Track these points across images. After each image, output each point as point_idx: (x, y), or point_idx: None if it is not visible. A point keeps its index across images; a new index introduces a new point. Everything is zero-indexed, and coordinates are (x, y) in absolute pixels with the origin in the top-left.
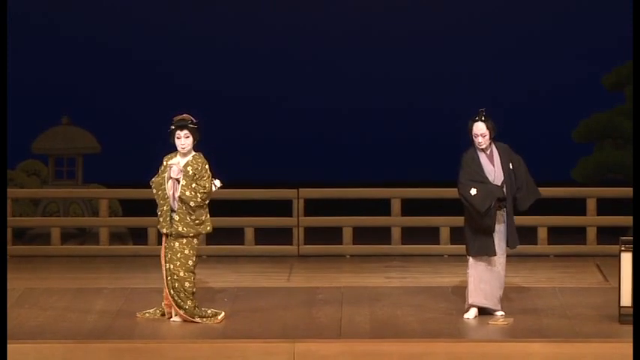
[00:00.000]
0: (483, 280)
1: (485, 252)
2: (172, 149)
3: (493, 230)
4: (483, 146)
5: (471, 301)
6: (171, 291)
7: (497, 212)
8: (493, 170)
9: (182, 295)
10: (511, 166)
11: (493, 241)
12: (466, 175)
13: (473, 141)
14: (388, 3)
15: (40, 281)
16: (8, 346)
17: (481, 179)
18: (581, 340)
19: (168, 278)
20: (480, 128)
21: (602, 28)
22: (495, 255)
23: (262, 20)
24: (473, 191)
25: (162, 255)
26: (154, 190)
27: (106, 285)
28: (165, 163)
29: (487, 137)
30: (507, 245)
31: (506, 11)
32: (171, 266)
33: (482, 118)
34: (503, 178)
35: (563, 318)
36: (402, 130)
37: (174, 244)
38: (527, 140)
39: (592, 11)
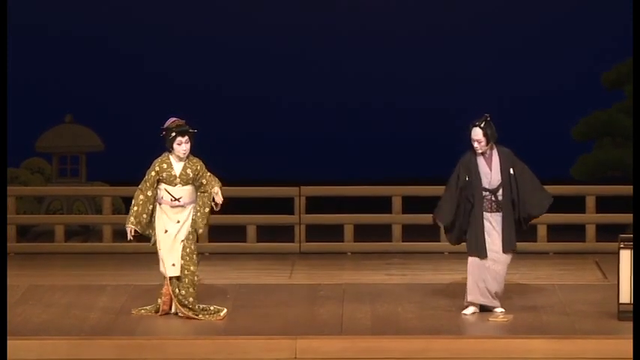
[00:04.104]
0: (480, 278)
1: (477, 253)
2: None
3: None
4: (480, 151)
5: (469, 298)
6: (177, 289)
7: (493, 214)
8: (489, 174)
9: (191, 290)
10: (512, 172)
11: (484, 243)
12: (452, 182)
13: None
14: (389, 3)
15: (44, 278)
16: (12, 342)
17: (463, 186)
18: (581, 336)
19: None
20: (476, 134)
21: (601, 26)
22: (486, 257)
23: (263, 20)
24: (443, 204)
25: None
26: (136, 202)
27: (109, 282)
28: (157, 168)
29: (483, 143)
30: (502, 248)
31: (507, 11)
32: (182, 262)
33: (482, 125)
34: (500, 182)
35: (562, 315)
36: (403, 128)
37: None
38: (527, 138)
39: (592, 10)
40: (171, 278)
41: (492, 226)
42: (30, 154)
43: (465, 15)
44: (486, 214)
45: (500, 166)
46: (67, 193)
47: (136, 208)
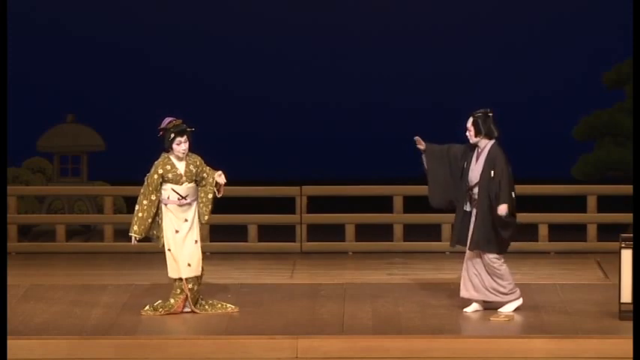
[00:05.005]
0: (473, 272)
1: (457, 241)
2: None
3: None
4: (470, 141)
5: (461, 294)
6: (195, 287)
7: (472, 210)
8: (473, 169)
9: (200, 287)
10: (492, 174)
11: (466, 233)
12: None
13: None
14: (389, 3)
15: (45, 278)
16: (13, 342)
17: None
18: (582, 336)
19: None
20: (467, 121)
21: (602, 26)
22: (463, 246)
23: (264, 20)
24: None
25: None
26: (141, 207)
27: (110, 281)
28: (161, 170)
29: (472, 133)
30: (468, 245)
31: (507, 11)
32: (199, 261)
33: (476, 115)
34: (477, 181)
35: (563, 314)
36: (403, 128)
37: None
38: (528, 138)
39: (592, 10)
40: (187, 277)
41: (471, 220)
42: (31, 153)
43: (465, 15)
44: (468, 208)
45: (483, 165)
46: (69, 193)
47: (140, 214)
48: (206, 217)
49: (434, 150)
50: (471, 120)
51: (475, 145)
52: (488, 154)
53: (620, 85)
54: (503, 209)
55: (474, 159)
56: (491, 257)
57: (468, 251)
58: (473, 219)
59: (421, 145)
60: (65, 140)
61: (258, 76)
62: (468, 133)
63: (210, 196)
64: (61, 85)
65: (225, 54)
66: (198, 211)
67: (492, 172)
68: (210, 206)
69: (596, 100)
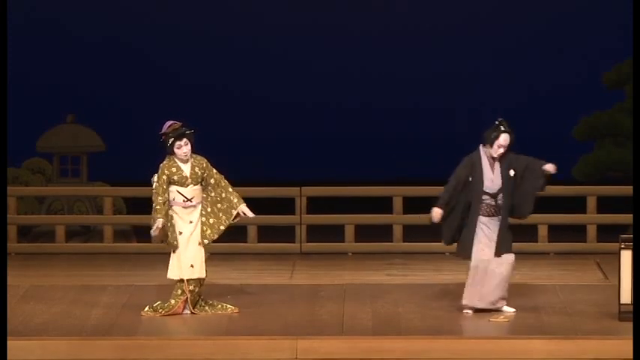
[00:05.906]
0: (477, 281)
1: (462, 253)
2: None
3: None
4: (496, 154)
5: (463, 302)
6: (196, 289)
7: (491, 219)
8: (492, 177)
9: (201, 288)
10: (512, 174)
11: (471, 244)
12: (452, 182)
13: (482, 145)
14: (389, 3)
15: (45, 278)
16: (13, 342)
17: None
18: (582, 337)
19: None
20: (506, 139)
21: (601, 26)
22: (469, 259)
23: (264, 20)
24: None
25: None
26: (157, 202)
27: (110, 282)
28: (167, 172)
29: (507, 149)
30: (494, 252)
31: (507, 11)
32: (202, 263)
33: (509, 132)
34: (500, 187)
35: (563, 315)
36: (403, 129)
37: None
38: (528, 138)
39: (592, 10)
40: (189, 279)
41: (491, 230)
42: (31, 154)
43: (465, 15)
44: (484, 219)
45: (501, 168)
46: (68, 194)
47: (158, 207)
48: (205, 242)
49: (448, 202)
50: (508, 138)
51: (486, 156)
52: (501, 159)
53: (620, 86)
54: (551, 166)
55: (487, 169)
56: (513, 258)
57: (476, 260)
58: (496, 227)
59: (438, 215)
60: (65, 141)
61: (258, 76)
62: (502, 150)
63: (222, 227)
64: (61, 85)
65: (225, 54)
66: (205, 229)
67: (512, 171)
68: (216, 235)
69: (596, 100)
